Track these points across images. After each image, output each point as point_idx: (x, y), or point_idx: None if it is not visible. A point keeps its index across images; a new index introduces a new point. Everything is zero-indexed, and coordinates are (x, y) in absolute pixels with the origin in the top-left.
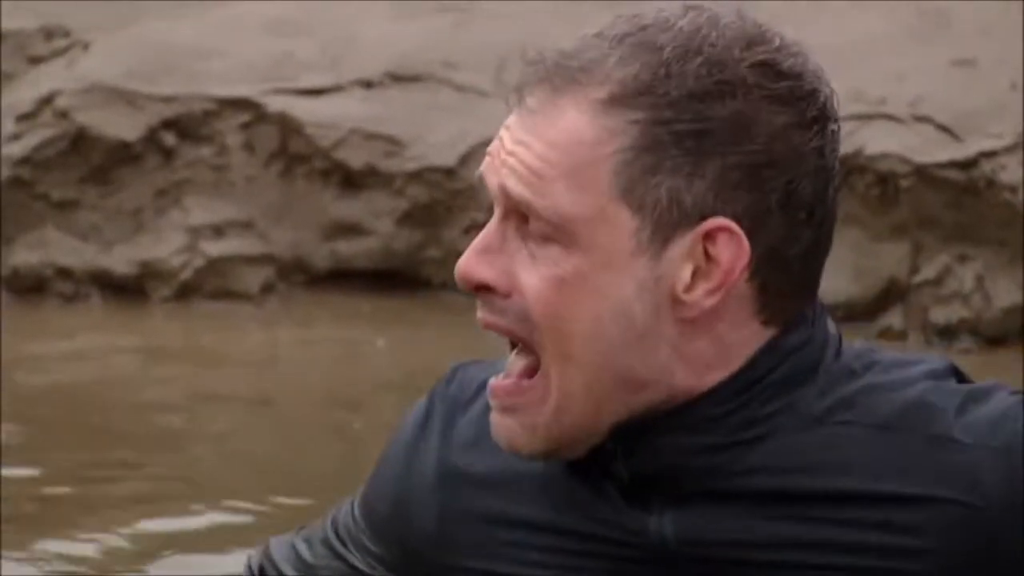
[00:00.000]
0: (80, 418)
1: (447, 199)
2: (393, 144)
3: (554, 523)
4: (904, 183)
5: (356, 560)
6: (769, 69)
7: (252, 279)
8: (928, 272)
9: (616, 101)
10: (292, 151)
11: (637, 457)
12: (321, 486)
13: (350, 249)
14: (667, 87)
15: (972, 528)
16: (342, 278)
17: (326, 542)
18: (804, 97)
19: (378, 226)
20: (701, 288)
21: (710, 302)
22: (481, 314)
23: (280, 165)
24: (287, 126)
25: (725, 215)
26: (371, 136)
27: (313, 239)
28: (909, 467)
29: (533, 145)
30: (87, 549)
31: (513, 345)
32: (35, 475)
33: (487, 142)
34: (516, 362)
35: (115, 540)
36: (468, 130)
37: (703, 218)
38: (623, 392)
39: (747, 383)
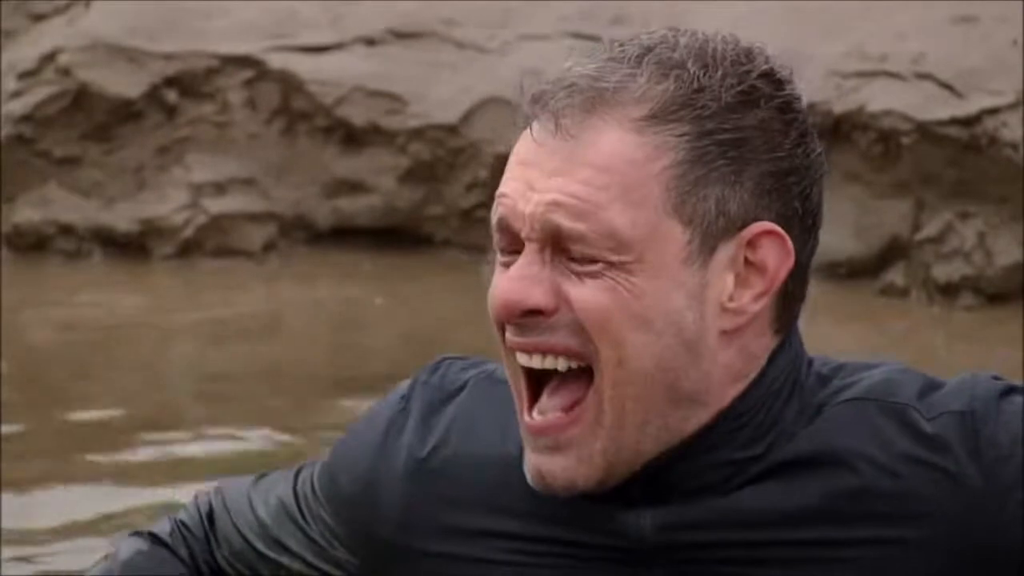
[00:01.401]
0: (82, 374)
1: (449, 156)
2: (395, 101)
3: (528, 513)
4: (906, 140)
5: (313, 532)
6: (771, 78)
7: (254, 236)
8: (930, 229)
9: (658, 117)
10: (294, 108)
11: (659, 487)
12: (318, 432)
13: (352, 206)
14: (704, 99)
15: (951, 493)
16: (344, 235)
17: (283, 504)
18: (800, 103)
19: (380, 183)
20: (748, 294)
21: (756, 307)
22: (524, 339)
23: (282, 122)
24: (289, 83)
25: (763, 219)
26: (373, 93)
27: (315, 196)
28: (883, 433)
29: (577, 172)
30: (89, 500)
31: (538, 384)
32: (36, 430)
33: (490, 99)
34: (552, 401)
35: (115, 493)
36: (470, 87)
37: (744, 225)
38: (669, 407)
39: (761, 397)
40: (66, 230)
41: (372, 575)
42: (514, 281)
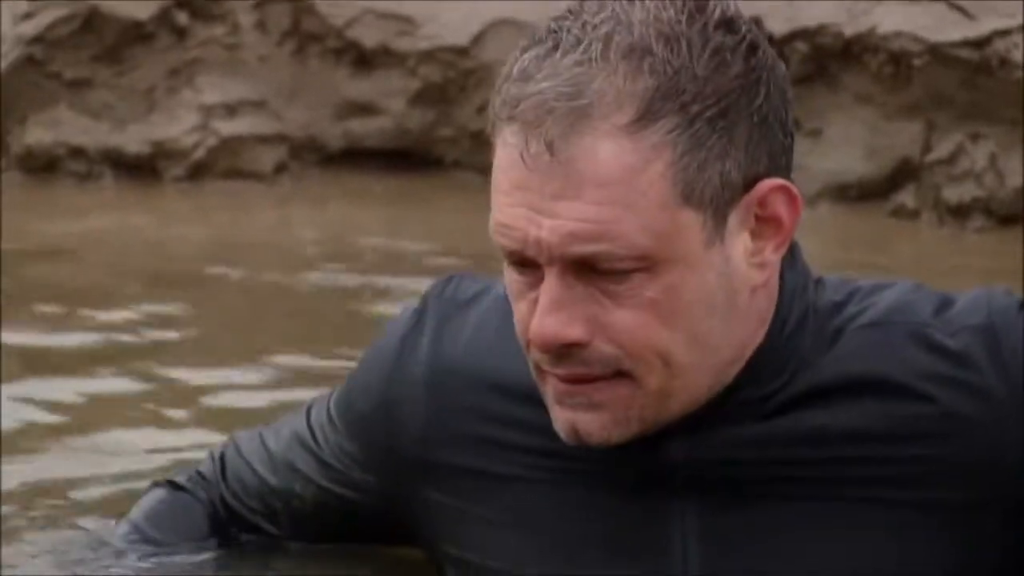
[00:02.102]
0: (92, 297)
1: (460, 78)
2: (406, 23)
3: (550, 427)
4: (917, 62)
5: (327, 456)
6: (727, 26)
7: (265, 158)
8: (941, 151)
9: (645, 117)
10: (305, 30)
11: (690, 424)
12: (331, 353)
13: (363, 128)
14: (682, 83)
15: (979, 406)
16: (355, 157)
17: (297, 435)
18: (755, 35)
19: (391, 105)
20: (768, 247)
21: (777, 257)
22: (562, 371)
23: (293, 44)
24: (300, 5)
25: (761, 173)
26: (384, 15)
27: (326, 118)
28: (904, 354)
29: (582, 194)
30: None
31: None
32: (47, 347)
33: (500, 21)
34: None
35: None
36: (481, 9)
37: (747, 187)
38: (711, 375)
39: (781, 331)
40: (77, 152)
41: (391, 494)
42: (548, 315)
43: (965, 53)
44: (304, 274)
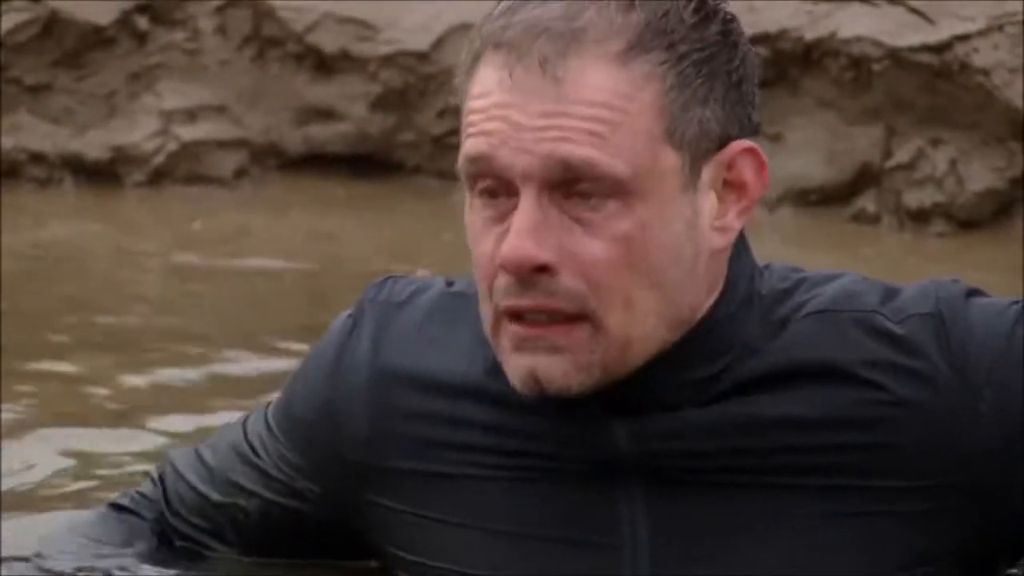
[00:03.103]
0: (52, 302)
1: (420, 83)
2: (366, 28)
3: (499, 425)
4: (877, 67)
5: (268, 466)
6: None
7: (225, 163)
8: (901, 156)
9: (635, 48)
10: (265, 35)
11: (628, 400)
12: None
13: (324, 133)
14: (671, 23)
15: (926, 394)
16: (316, 162)
17: (235, 448)
18: (731, 12)
19: (352, 110)
20: (732, 211)
21: (740, 223)
22: (520, 301)
23: (253, 49)
24: (260, 10)
25: (734, 135)
26: (344, 20)
27: (286, 123)
28: (852, 341)
29: (573, 110)
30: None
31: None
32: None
33: (460, 25)
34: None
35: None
36: (442, 13)
37: (721, 145)
38: (667, 330)
39: (727, 308)
40: (37, 158)
41: (336, 501)
42: (524, 235)
43: (925, 58)
44: (263, 278)
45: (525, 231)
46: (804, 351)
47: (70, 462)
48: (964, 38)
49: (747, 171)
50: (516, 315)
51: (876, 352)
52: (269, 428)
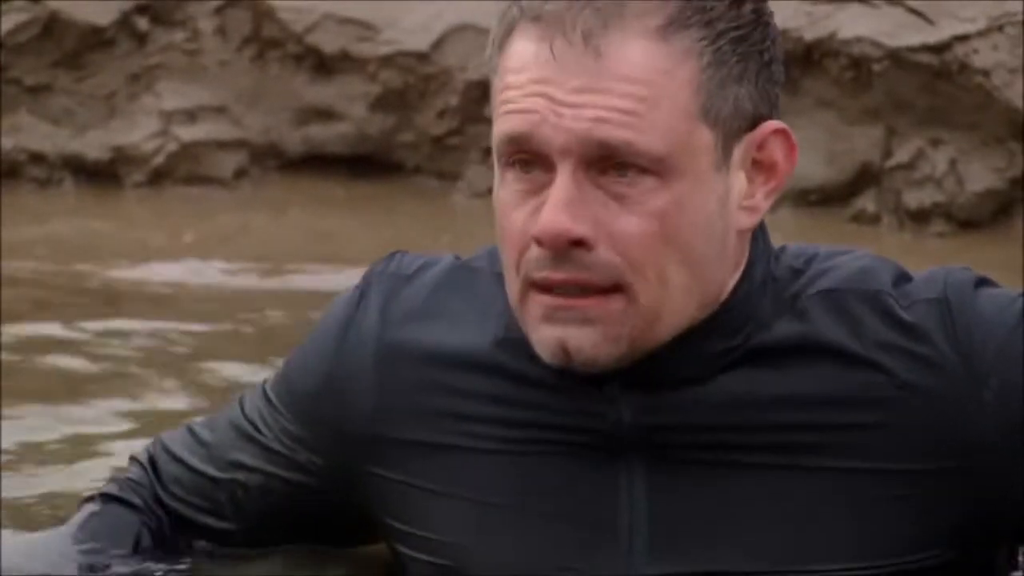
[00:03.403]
0: (54, 301)
1: (420, 84)
2: (366, 28)
3: (505, 397)
4: (877, 67)
5: (269, 440)
6: None
7: (225, 164)
8: (901, 156)
9: (675, 24)
10: (265, 36)
11: (640, 377)
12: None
13: (323, 134)
14: (709, 1)
15: (931, 378)
16: (315, 163)
17: (234, 425)
18: None
19: (351, 111)
20: (761, 192)
21: (768, 204)
22: (554, 274)
23: (253, 50)
24: (260, 10)
25: (764, 115)
26: (344, 20)
27: (286, 124)
28: (860, 321)
29: (612, 87)
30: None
31: None
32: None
33: (460, 26)
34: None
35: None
36: (442, 14)
37: (753, 124)
38: (696, 307)
39: (748, 286)
40: (37, 158)
41: (338, 473)
42: (560, 209)
43: (925, 58)
44: (264, 279)
45: (562, 205)
46: (811, 328)
47: (75, 464)
48: (964, 38)
49: (777, 152)
50: (547, 287)
51: (883, 334)
52: (269, 402)
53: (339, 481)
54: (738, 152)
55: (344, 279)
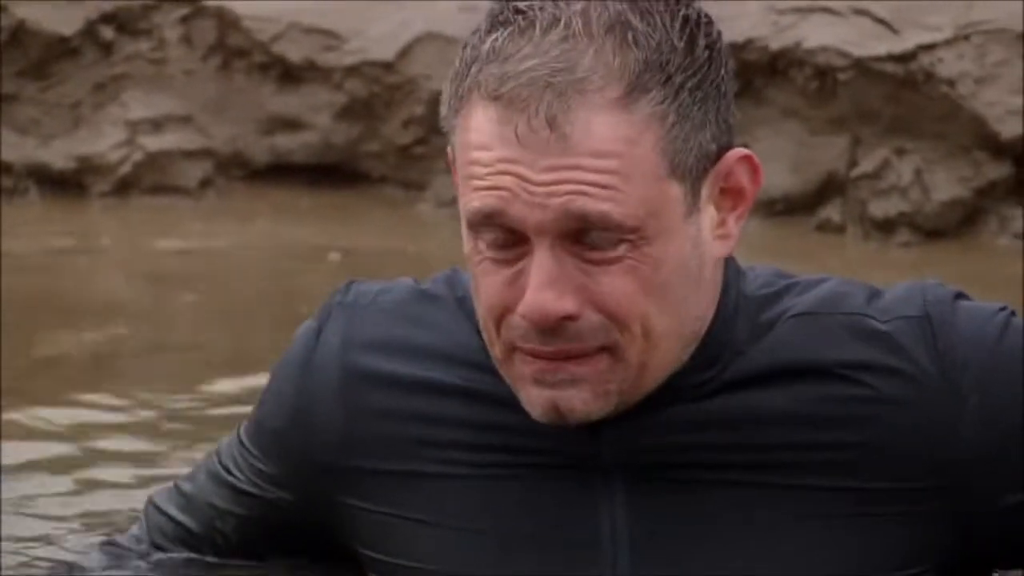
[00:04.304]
0: (18, 312)
1: (386, 93)
2: (332, 38)
3: (481, 422)
4: (842, 76)
5: (242, 483)
6: None
7: (191, 173)
8: (867, 165)
9: (635, 91)
10: (231, 45)
11: (626, 422)
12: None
13: (289, 143)
14: (665, 55)
15: (912, 396)
16: (281, 172)
17: (210, 473)
18: (702, 9)
19: (317, 120)
20: (731, 218)
21: (739, 228)
22: (546, 348)
23: (218, 59)
24: (225, 20)
25: (724, 144)
26: (310, 30)
27: (252, 133)
28: (837, 341)
29: (582, 162)
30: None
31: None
32: None
33: (426, 35)
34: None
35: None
36: (408, 23)
37: (717, 158)
38: (680, 351)
39: (724, 315)
40: (2, 168)
41: (309, 507)
42: (544, 288)
43: (890, 68)
44: (231, 290)
45: (545, 284)
46: (790, 351)
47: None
48: (929, 48)
49: (743, 177)
50: (534, 355)
51: (863, 353)
52: (242, 444)
53: (312, 514)
54: (705, 189)
55: (308, 289)
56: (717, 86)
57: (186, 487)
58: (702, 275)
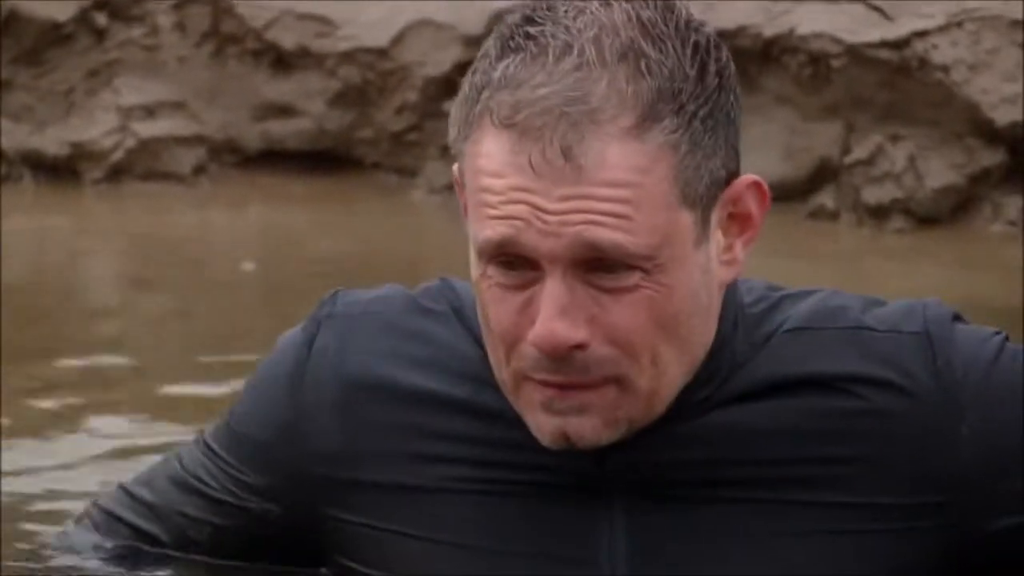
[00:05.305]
0: (11, 300)
1: (379, 80)
2: (325, 24)
3: (481, 437)
4: (836, 63)
5: (219, 492)
6: (691, 24)
7: (184, 160)
8: (860, 152)
9: (648, 120)
10: (224, 31)
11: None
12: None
13: (282, 130)
14: (677, 83)
15: (910, 411)
16: (274, 159)
17: (175, 481)
18: (712, 32)
19: (310, 107)
20: (739, 244)
21: (746, 254)
22: (556, 377)
23: (212, 45)
24: (219, 6)
25: (733, 170)
26: (303, 16)
27: (245, 120)
28: (835, 354)
29: (595, 192)
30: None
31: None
32: None
33: (419, 22)
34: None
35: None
36: (401, 10)
37: (726, 184)
38: (686, 375)
39: (724, 330)
40: None
41: (297, 521)
42: (556, 318)
43: (884, 54)
44: (223, 276)
45: (557, 313)
46: (788, 365)
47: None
48: (923, 34)
49: (751, 203)
50: (544, 383)
51: (861, 366)
52: (215, 453)
53: (299, 529)
54: (715, 215)
55: (302, 276)
56: (727, 112)
57: (143, 494)
58: (711, 301)
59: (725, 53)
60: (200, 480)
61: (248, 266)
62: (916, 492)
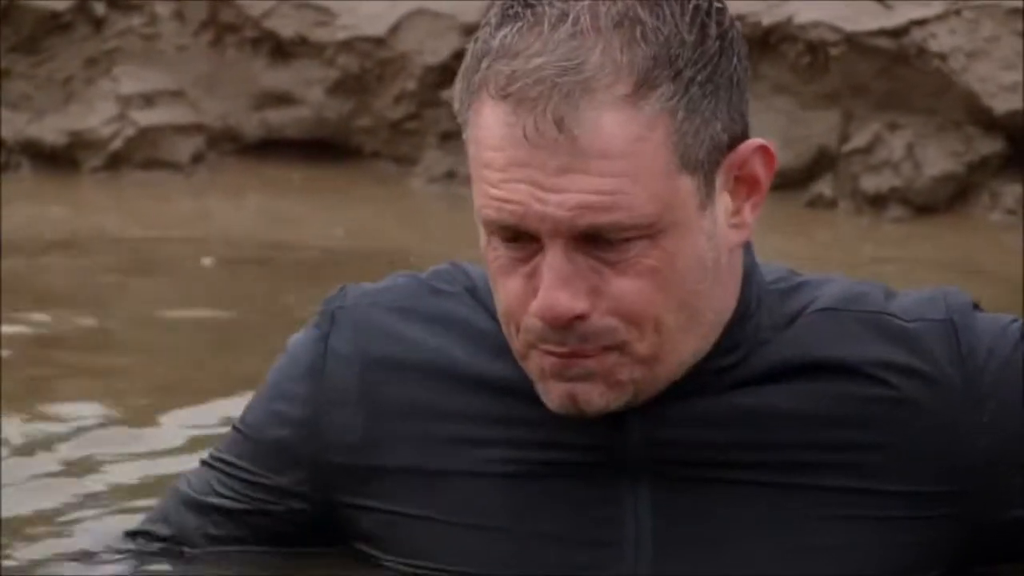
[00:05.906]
0: (10, 287)
1: (378, 68)
2: (323, 13)
3: (506, 418)
4: (834, 51)
5: (238, 503)
6: None
7: (182, 149)
8: (858, 140)
9: (644, 85)
10: (222, 20)
11: (652, 415)
12: (253, 352)
13: (281, 119)
14: (674, 48)
15: (933, 398)
16: (273, 147)
17: (190, 505)
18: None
19: (308, 95)
20: (747, 207)
21: (754, 217)
22: (557, 348)
23: (210, 34)
24: None
25: (739, 134)
26: (301, 5)
27: (243, 108)
28: (863, 338)
29: (590, 166)
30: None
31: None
32: None
33: (418, 11)
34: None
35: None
36: None
37: (731, 147)
38: (699, 342)
39: (747, 301)
40: None
41: (322, 512)
42: (557, 288)
43: (883, 43)
44: (223, 265)
45: (558, 284)
46: (815, 346)
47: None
48: (921, 23)
49: (758, 167)
50: (550, 352)
51: (887, 352)
52: (229, 465)
53: (321, 519)
54: (720, 179)
55: (301, 265)
56: (729, 76)
57: (161, 530)
58: (718, 267)
59: (728, 16)
60: (218, 495)
61: (207, 261)
62: (936, 480)
